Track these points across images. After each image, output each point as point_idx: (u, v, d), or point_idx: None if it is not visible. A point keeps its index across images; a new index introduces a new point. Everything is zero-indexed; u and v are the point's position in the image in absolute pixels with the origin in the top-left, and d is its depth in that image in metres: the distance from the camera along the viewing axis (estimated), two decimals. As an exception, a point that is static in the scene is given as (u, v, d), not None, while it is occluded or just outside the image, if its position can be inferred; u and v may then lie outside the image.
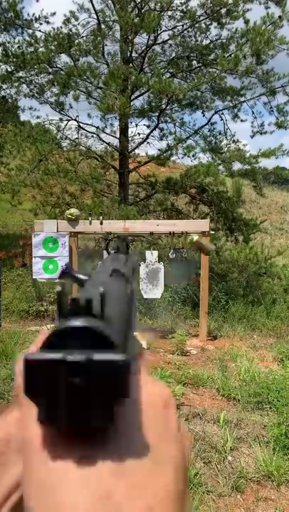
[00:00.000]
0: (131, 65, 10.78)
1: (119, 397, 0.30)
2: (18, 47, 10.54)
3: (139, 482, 0.30)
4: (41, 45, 10.52)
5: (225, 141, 11.63)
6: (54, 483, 0.29)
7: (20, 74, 10.72)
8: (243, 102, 11.12)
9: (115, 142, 11.47)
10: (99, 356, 0.29)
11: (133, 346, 0.40)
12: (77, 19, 10.84)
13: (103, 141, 11.65)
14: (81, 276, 0.44)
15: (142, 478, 0.30)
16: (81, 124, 11.47)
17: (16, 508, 0.36)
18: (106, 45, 10.83)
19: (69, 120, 11.28)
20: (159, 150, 11.66)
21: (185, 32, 11.00)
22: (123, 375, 0.29)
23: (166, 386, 0.38)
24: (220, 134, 11.65)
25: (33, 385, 0.29)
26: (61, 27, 10.74)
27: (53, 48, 10.38)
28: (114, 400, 0.29)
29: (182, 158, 11.42)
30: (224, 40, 10.73)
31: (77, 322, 0.30)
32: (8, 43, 10.62)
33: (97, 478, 0.29)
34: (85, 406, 0.29)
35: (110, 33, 10.83)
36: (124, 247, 0.68)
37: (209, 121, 11.54)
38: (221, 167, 10.88)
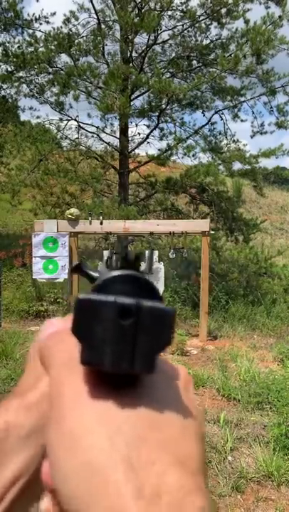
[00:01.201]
0: (131, 64, 10.76)
1: (164, 345, 0.30)
2: (18, 47, 10.55)
3: (167, 438, 0.30)
4: (41, 45, 10.51)
5: (225, 141, 11.63)
6: (86, 429, 0.29)
7: (21, 74, 10.73)
8: (243, 101, 11.11)
9: (115, 142, 11.47)
10: (149, 303, 0.30)
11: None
12: (77, 19, 10.85)
13: (103, 141, 11.65)
14: (93, 273, 0.44)
15: (170, 434, 0.30)
16: (81, 124, 11.47)
17: (18, 499, 0.36)
18: (106, 44, 10.84)
19: (69, 120, 11.28)
20: (159, 150, 11.66)
21: (185, 32, 11.00)
22: (169, 323, 0.30)
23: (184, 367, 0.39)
24: (220, 133, 11.66)
25: (83, 323, 0.30)
26: (61, 27, 10.75)
27: (53, 47, 10.37)
28: (159, 347, 0.30)
29: (182, 158, 11.42)
30: (224, 40, 10.72)
31: (129, 271, 0.32)
32: (8, 42, 10.63)
33: (132, 426, 0.29)
34: (132, 349, 0.29)
35: (110, 32, 10.83)
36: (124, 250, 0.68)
37: (209, 121, 11.54)
38: (221, 167, 10.87)
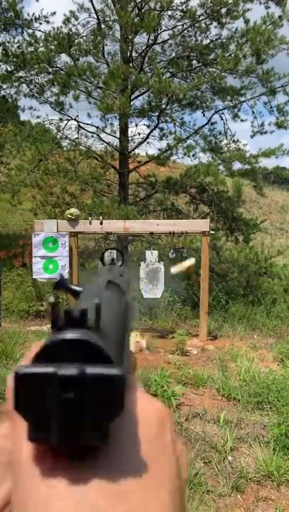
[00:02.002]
0: (131, 64, 10.76)
1: (114, 414, 0.28)
2: (18, 47, 10.53)
3: (134, 507, 0.28)
4: (41, 44, 10.50)
5: (225, 141, 11.61)
6: (44, 505, 0.28)
7: (20, 74, 10.71)
8: (243, 101, 11.11)
9: (115, 142, 11.46)
10: (93, 370, 0.28)
11: (128, 360, 0.38)
12: (77, 19, 10.83)
13: (103, 141, 11.63)
14: (76, 288, 0.43)
15: (137, 501, 0.29)
16: (81, 124, 11.46)
17: None
18: (106, 44, 10.82)
19: (69, 120, 11.27)
20: (159, 150, 11.65)
21: (185, 32, 10.98)
22: (118, 390, 0.28)
23: (162, 403, 0.36)
24: (220, 133, 11.65)
25: (24, 400, 0.28)
26: (61, 27, 10.74)
27: (52, 47, 10.36)
28: (109, 417, 0.28)
29: (182, 158, 11.41)
30: (224, 40, 10.71)
31: (71, 334, 0.29)
32: (8, 42, 10.61)
33: (90, 502, 0.28)
34: (78, 423, 0.28)
35: (110, 32, 10.81)
36: (121, 258, 0.66)
37: (209, 121, 11.53)
38: (221, 167, 10.87)
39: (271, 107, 10.91)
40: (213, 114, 11.48)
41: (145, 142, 11.74)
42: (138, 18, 10.02)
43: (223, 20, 10.53)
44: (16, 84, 10.79)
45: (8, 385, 0.35)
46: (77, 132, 11.54)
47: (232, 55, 10.08)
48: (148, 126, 11.95)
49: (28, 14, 11.97)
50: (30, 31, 10.69)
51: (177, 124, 11.69)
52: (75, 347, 0.29)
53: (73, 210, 7.57)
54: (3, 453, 0.35)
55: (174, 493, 0.31)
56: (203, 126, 11.60)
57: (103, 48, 10.74)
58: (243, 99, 11.03)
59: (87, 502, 0.27)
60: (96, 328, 0.30)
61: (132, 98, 10.47)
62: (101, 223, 7.47)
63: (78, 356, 0.29)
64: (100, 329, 0.31)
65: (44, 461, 0.29)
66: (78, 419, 0.27)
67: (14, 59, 10.32)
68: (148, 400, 0.35)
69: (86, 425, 0.28)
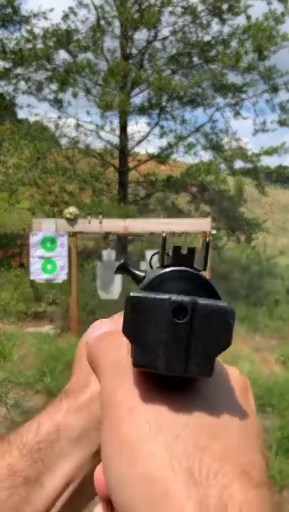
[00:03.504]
0: (131, 61, 10.68)
1: (223, 346, 0.28)
2: (16, 43, 10.44)
3: (231, 446, 0.28)
4: (39, 41, 10.42)
5: (226, 139, 11.53)
6: (143, 436, 0.28)
7: (18, 71, 10.64)
8: (245, 99, 11.04)
9: (115, 140, 11.39)
10: (205, 301, 0.28)
11: None
12: (76, 15, 10.72)
13: (102, 139, 11.57)
14: (139, 273, 0.43)
15: (234, 442, 0.29)
16: (80, 122, 11.39)
17: (70, 502, 0.37)
18: (105, 41, 10.73)
19: (68, 118, 11.20)
20: (159, 148, 11.58)
21: (186, 28, 10.89)
22: (228, 323, 0.28)
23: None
24: (221, 131, 11.55)
25: (134, 323, 0.28)
26: (60, 23, 10.63)
27: (51, 44, 10.28)
28: (218, 348, 0.28)
29: (183, 156, 11.35)
30: (225, 37, 10.61)
31: (182, 267, 0.30)
32: (6, 39, 10.52)
33: (190, 433, 0.28)
34: (186, 351, 0.28)
35: (110, 29, 10.71)
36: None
37: (210, 118, 11.44)
38: (222, 165, 10.81)
39: (273, 105, 10.83)
40: (214, 112, 11.42)
41: (145, 140, 11.68)
42: (138, 14, 9.94)
43: (225, 17, 10.46)
44: (13, 81, 10.72)
45: (86, 337, 0.40)
46: (76, 130, 11.48)
47: (233, 51, 10.01)
48: (148, 124, 11.88)
49: (26, 11, 11.91)
50: (28, 28, 10.62)
51: (178, 121, 11.60)
52: (187, 279, 0.29)
53: (72, 210, 7.47)
54: (65, 429, 0.37)
55: (262, 448, 0.30)
56: (204, 124, 11.52)
57: (102, 45, 10.65)
58: (244, 96, 10.99)
59: (184, 438, 0.27)
60: (204, 267, 0.30)
61: (131, 95, 10.41)
62: (100, 222, 7.37)
63: (190, 288, 0.29)
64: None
65: (148, 385, 0.30)
66: (188, 347, 0.28)
67: (12, 56, 10.28)
68: (232, 368, 0.36)
69: (195, 354, 0.28)
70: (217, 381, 0.32)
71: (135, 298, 0.28)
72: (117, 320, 0.35)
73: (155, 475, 0.26)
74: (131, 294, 0.28)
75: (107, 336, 0.37)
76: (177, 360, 0.28)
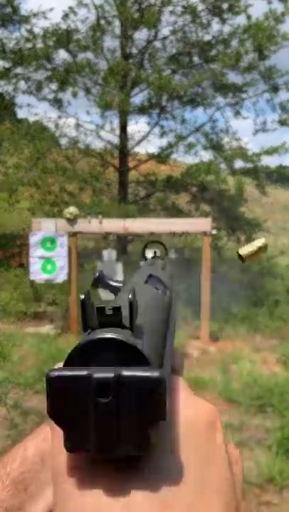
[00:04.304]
0: (131, 61, 10.67)
1: (155, 420, 0.26)
2: (16, 43, 10.44)
3: None
4: (39, 41, 10.42)
5: (226, 139, 11.52)
6: None
7: (18, 70, 10.64)
8: (245, 99, 11.06)
9: (115, 140, 11.39)
10: (130, 372, 0.26)
11: (169, 360, 0.34)
12: (76, 14, 10.71)
13: (102, 138, 11.56)
14: (115, 284, 0.41)
15: (187, 509, 0.27)
16: (80, 122, 11.38)
17: None
18: (105, 41, 10.73)
19: (68, 117, 11.19)
20: (159, 148, 11.57)
21: (186, 27, 10.88)
22: (158, 393, 0.26)
23: (210, 404, 0.33)
24: (221, 131, 11.56)
25: (58, 406, 0.26)
26: (59, 23, 10.63)
27: (51, 43, 10.28)
28: (149, 423, 0.26)
29: (183, 156, 11.36)
30: (226, 36, 10.61)
31: (104, 334, 0.27)
32: (6, 38, 10.53)
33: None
34: (116, 431, 0.26)
35: (110, 28, 10.71)
36: (163, 252, 0.63)
37: (211, 118, 11.44)
38: (222, 165, 10.80)
39: (274, 105, 10.84)
40: (215, 111, 11.43)
41: (145, 140, 11.69)
42: (138, 13, 9.94)
43: (225, 16, 10.46)
44: (13, 81, 10.73)
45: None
46: (76, 130, 11.47)
47: (233, 51, 10.01)
48: (148, 124, 11.89)
49: (25, 10, 11.91)
50: (28, 27, 10.62)
51: (178, 121, 11.59)
52: (110, 347, 0.27)
53: (72, 209, 7.46)
54: (42, 471, 0.36)
55: (228, 504, 0.28)
56: (204, 123, 11.53)
57: (102, 44, 10.65)
58: (244, 96, 11.00)
59: None
60: (131, 326, 0.28)
61: (131, 95, 10.41)
62: (100, 222, 7.36)
63: (113, 358, 0.27)
64: (138, 327, 0.29)
65: (83, 470, 0.28)
66: (116, 427, 0.26)
67: (12, 55, 10.28)
68: (195, 402, 0.33)
69: (125, 433, 0.26)
70: (166, 439, 0.29)
71: (54, 377, 0.26)
72: None
73: None
74: (49, 373, 0.26)
75: None
76: (108, 442, 0.26)
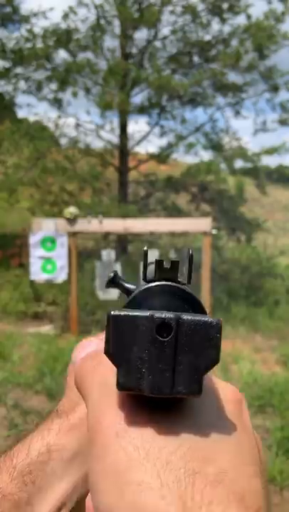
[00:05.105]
0: (131, 60, 10.66)
1: (211, 363, 0.27)
2: (16, 42, 10.43)
3: (225, 469, 0.27)
4: (39, 40, 10.40)
5: (226, 139, 11.51)
6: (131, 464, 0.26)
7: (18, 70, 10.62)
8: (245, 99, 11.05)
9: (115, 140, 11.37)
10: (190, 316, 0.27)
11: None
12: (76, 14, 10.69)
13: (102, 138, 11.54)
14: (128, 286, 0.42)
15: (228, 464, 0.27)
16: (80, 122, 11.37)
17: None
18: (104, 40, 10.71)
19: (67, 117, 11.18)
20: (159, 148, 11.57)
21: (186, 27, 10.86)
22: (215, 338, 0.27)
23: (233, 385, 0.35)
24: (221, 131, 11.53)
25: (116, 343, 0.27)
26: (59, 22, 10.61)
27: (51, 43, 10.27)
28: (206, 365, 0.27)
29: (183, 155, 11.36)
30: (226, 36, 10.60)
31: (165, 282, 0.29)
32: (6, 38, 10.51)
33: (181, 458, 0.26)
34: (172, 371, 0.27)
35: (110, 28, 10.69)
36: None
37: (211, 118, 11.43)
38: (222, 165, 10.79)
39: (274, 105, 10.83)
40: (215, 111, 11.41)
41: (145, 140, 11.67)
42: (138, 13, 9.93)
43: (225, 16, 10.44)
44: (13, 80, 10.71)
45: (73, 357, 0.37)
46: (76, 130, 11.46)
47: (233, 51, 10.00)
48: (148, 124, 11.86)
49: (25, 10, 11.90)
50: (28, 27, 10.60)
51: (178, 121, 11.59)
52: (171, 294, 0.28)
53: (72, 209, 7.44)
54: (57, 450, 0.36)
55: (258, 467, 0.29)
56: (204, 123, 11.51)
57: (102, 44, 10.64)
58: (244, 95, 10.98)
59: (175, 464, 0.26)
60: (188, 279, 0.29)
61: (131, 95, 10.39)
62: (100, 222, 7.35)
63: (174, 303, 0.28)
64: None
65: (133, 408, 0.28)
66: (174, 366, 0.27)
67: (12, 55, 10.26)
68: (222, 382, 0.35)
69: (182, 373, 0.27)
70: (207, 399, 0.31)
71: (115, 316, 0.27)
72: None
73: (146, 505, 0.24)
74: (111, 312, 0.27)
75: (94, 357, 0.36)
76: (163, 381, 0.26)
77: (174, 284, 0.29)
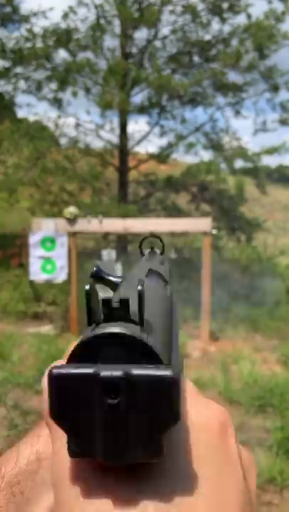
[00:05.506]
0: (131, 60, 10.66)
1: (169, 423, 0.24)
2: (16, 42, 10.43)
3: None
4: (39, 40, 10.40)
5: (226, 139, 11.51)
6: None
7: (18, 70, 10.62)
8: (245, 98, 11.05)
9: (115, 139, 11.37)
10: (140, 371, 0.24)
11: (178, 356, 0.33)
12: (76, 14, 10.69)
13: (102, 138, 11.54)
14: (114, 279, 0.39)
15: None
16: (80, 121, 11.37)
17: None
18: (104, 40, 10.71)
19: (67, 117, 11.18)
20: (159, 147, 11.57)
21: (186, 27, 10.86)
22: (172, 393, 0.24)
23: (221, 406, 0.31)
24: (221, 131, 11.54)
25: (60, 407, 0.24)
26: (59, 22, 10.61)
27: (51, 43, 10.26)
28: (162, 426, 0.24)
29: (183, 155, 11.35)
30: (226, 36, 10.60)
31: (111, 328, 0.25)
32: (6, 38, 10.51)
33: None
34: (125, 435, 0.24)
35: (110, 28, 10.69)
36: (160, 246, 0.60)
37: (211, 117, 11.43)
38: (222, 165, 10.79)
39: (274, 104, 10.83)
40: (215, 111, 11.41)
41: (145, 139, 11.67)
42: (138, 13, 9.93)
43: (225, 16, 10.44)
44: (13, 80, 10.71)
45: (43, 387, 0.32)
46: (76, 129, 11.46)
47: (234, 50, 10.00)
48: (148, 123, 11.86)
49: (25, 10, 11.90)
50: (27, 27, 10.61)
51: (178, 121, 11.58)
52: (117, 343, 0.25)
53: (72, 209, 7.44)
54: (47, 458, 0.33)
55: (242, 510, 0.26)
56: (204, 123, 11.51)
57: (102, 44, 10.63)
58: (245, 95, 10.98)
59: None
60: (140, 320, 0.26)
61: (131, 94, 10.39)
62: (100, 222, 7.34)
63: (121, 354, 0.25)
64: (146, 321, 0.27)
65: (88, 479, 0.26)
66: (126, 431, 0.24)
67: (11, 55, 10.26)
68: (204, 402, 0.31)
69: (135, 437, 0.24)
70: (176, 442, 0.27)
71: (56, 377, 0.24)
72: None
73: None
74: (51, 370, 0.24)
75: None
76: (117, 448, 0.24)
77: (122, 330, 0.25)
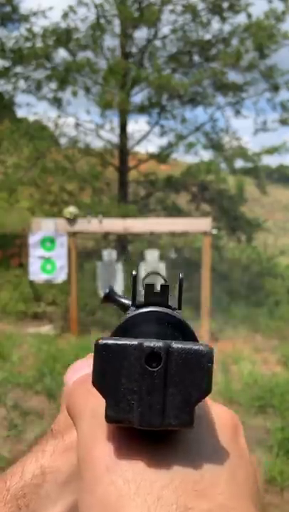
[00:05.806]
0: (131, 60, 10.65)
1: (201, 394, 0.26)
2: (16, 42, 10.42)
3: (221, 504, 0.26)
4: (39, 40, 10.39)
5: (227, 138, 11.50)
6: (121, 499, 0.25)
7: (18, 69, 10.61)
8: (246, 98, 11.05)
9: (115, 139, 11.35)
10: (180, 345, 0.26)
11: None
12: (75, 13, 10.68)
13: (102, 138, 11.52)
14: (124, 301, 0.41)
15: (223, 498, 0.26)
16: (80, 121, 11.37)
17: None
18: (104, 40, 10.70)
19: (67, 117, 11.17)
20: (159, 147, 11.56)
21: (186, 26, 10.85)
22: (206, 367, 0.26)
23: (229, 409, 0.34)
24: (222, 130, 11.52)
25: (104, 373, 0.26)
26: (59, 22, 10.60)
27: (51, 42, 10.25)
28: (197, 396, 0.26)
29: (183, 155, 11.35)
30: (226, 35, 10.60)
31: (155, 308, 0.28)
32: (6, 37, 10.50)
33: (173, 493, 0.25)
34: (162, 402, 0.26)
35: (110, 27, 10.68)
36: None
37: (211, 117, 11.42)
38: (222, 165, 10.78)
39: (274, 104, 10.82)
40: (215, 111, 11.40)
41: (145, 139, 11.66)
42: (138, 12, 9.92)
43: (225, 15, 10.43)
44: (13, 80, 10.70)
45: (66, 380, 0.35)
46: (76, 129, 11.45)
47: (234, 50, 9.99)
48: (148, 123, 11.85)
49: (25, 9, 11.89)
50: (27, 26, 10.60)
51: (178, 120, 11.57)
52: (160, 321, 0.28)
53: (72, 209, 7.43)
54: (51, 472, 0.34)
55: (254, 498, 0.28)
56: (204, 123, 11.51)
57: (102, 43, 10.62)
58: (245, 95, 10.98)
59: (166, 499, 0.25)
60: (179, 305, 0.29)
61: (131, 94, 10.38)
62: (100, 222, 7.33)
63: (161, 332, 0.27)
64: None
65: (122, 439, 0.28)
66: (164, 398, 0.26)
67: (11, 54, 10.25)
68: (218, 405, 0.34)
69: (172, 405, 0.26)
70: (201, 427, 0.29)
71: (103, 345, 0.26)
72: None
73: None
74: (98, 341, 0.26)
75: (86, 380, 0.33)
76: (153, 413, 0.25)
77: (163, 310, 0.28)
